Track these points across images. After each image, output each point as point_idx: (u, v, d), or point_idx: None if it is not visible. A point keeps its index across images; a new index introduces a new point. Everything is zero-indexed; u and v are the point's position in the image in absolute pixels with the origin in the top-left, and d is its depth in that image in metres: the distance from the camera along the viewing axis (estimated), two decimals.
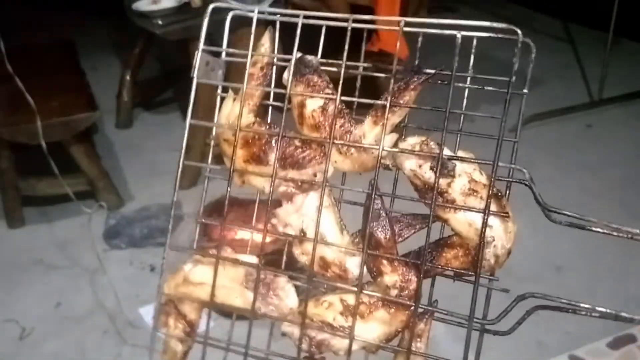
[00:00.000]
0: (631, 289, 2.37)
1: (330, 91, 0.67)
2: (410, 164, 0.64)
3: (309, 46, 0.69)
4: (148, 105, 3.86)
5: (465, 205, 0.63)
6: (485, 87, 0.71)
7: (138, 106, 3.79)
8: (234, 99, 0.71)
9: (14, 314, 2.40)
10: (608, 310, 0.61)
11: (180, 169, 0.72)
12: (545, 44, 4.58)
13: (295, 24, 0.68)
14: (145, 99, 3.84)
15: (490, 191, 0.62)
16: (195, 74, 0.72)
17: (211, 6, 0.71)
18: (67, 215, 2.89)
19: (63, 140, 2.72)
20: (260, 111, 0.71)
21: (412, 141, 0.65)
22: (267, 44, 0.72)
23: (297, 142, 0.67)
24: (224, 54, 0.74)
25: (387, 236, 0.66)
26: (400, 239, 0.67)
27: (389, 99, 0.64)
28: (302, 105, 0.67)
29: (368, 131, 0.66)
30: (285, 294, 0.68)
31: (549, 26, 4.80)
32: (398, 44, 0.68)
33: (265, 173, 0.68)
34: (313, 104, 0.67)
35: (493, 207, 0.62)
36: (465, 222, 0.64)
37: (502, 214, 0.63)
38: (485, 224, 0.62)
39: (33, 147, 2.62)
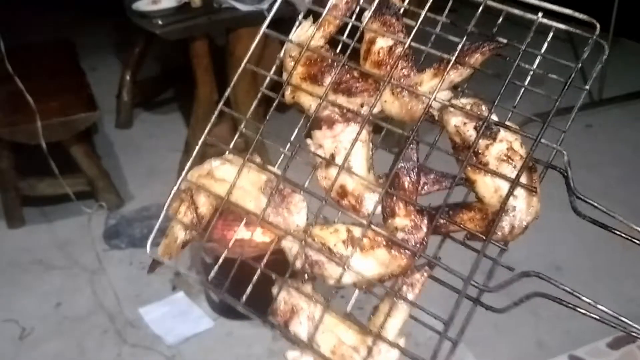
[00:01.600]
0: (631, 289, 2.37)
1: (402, 36, 0.69)
2: (456, 119, 0.65)
3: None
4: (148, 105, 3.86)
5: (498, 170, 0.63)
6: (550, 74, 0.72)
7: (138, 106, 3.79)
8: (312, 24, 0.73)
9: (14, 314, 2.40)
10: (610, 312, 0.61)
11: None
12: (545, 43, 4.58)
13: None
14: (145, 99, 3.84)
15: (525, 163, 0.62)
16: None
17: None
18: (67, 215, 2.89)
19: (63, 140, 2.72)
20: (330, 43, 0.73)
21: (464, 100, 0.66)
22: None
23: (355, 73, 0.69)
24: None
25: (411, 181, 0.66)
26: (423, 191, 0.68)
27: (455, 54, 0.66)
28: (371, 42, 0.70)
29: (426, 81, 0.67)
30: (297, 210, 0.68)
31: (549, 26, 4.79)
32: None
33: (317, 93, 0.69)
34: (382, 42, 0.69)
35: (523, 180, 0.62)
36: (492, 186, 0.64)
37: (530, 187, 0.63)
38: (511, 192, 0.62)
39: (33, 147, 2.62)
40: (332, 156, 0.69)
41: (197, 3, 2.84)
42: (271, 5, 2.80)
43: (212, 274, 0.71)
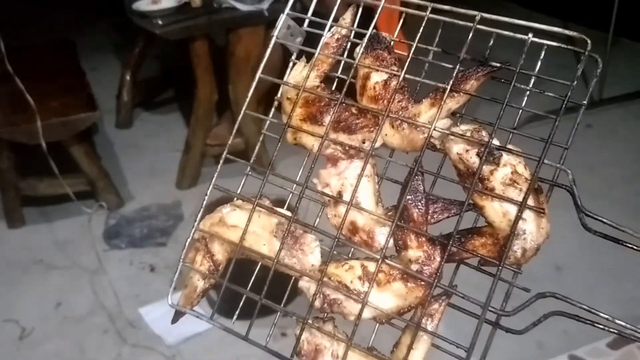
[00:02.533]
0: (631, 289, 2.37)
1: (396, 68, 0.70)
2: (458, 147, 0.66)
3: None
4: (148, 105, 3.86)
5: (504, 195, 0.64)
6: (546, 92, 0.73)
7: (138, 106, 3.79)
8: (305, 65, 0.75)
9: (14, 314, 2.40)
10: (629, 326, 0.61)
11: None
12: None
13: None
14: (145, 99, 3.85)
15: (531, 186, 0.63)
16: (276, 33, 0.74)
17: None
18: (67, 215, 2.89)
19: (63, 140, 2.72)
20: (326, 81, 0.75)
21: (464, 127, 0.66)
22: (348, 18, 0.75)
23: (353, 110, 0.70)
24: (306, 23, 0.78)
25: (420, 212, 0.67)
26: (432, 220, 0.68)
27: (450, 83, 0.66)
28: (366, 77, 0.71)
29: (424, 111, 0.68)
30: (311, 250, 0.70)
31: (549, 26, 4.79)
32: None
33: (318, 133, 0.71)
34: (377, 77, 0.70)
35: (530, 202, 0.63)
36: (500, 211, 0.64)
37: (537, 209, 0.63)
38: (519, 216, 0.62)
39: (33, 147, 2.62)
40: (340, 194, 0.70)
41: (197, 3, 2.84)
42: (271, 6, 2.81)
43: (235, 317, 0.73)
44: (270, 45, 0.74)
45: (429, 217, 0.68)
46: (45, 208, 2.94)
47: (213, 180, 0.73)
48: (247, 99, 0.76)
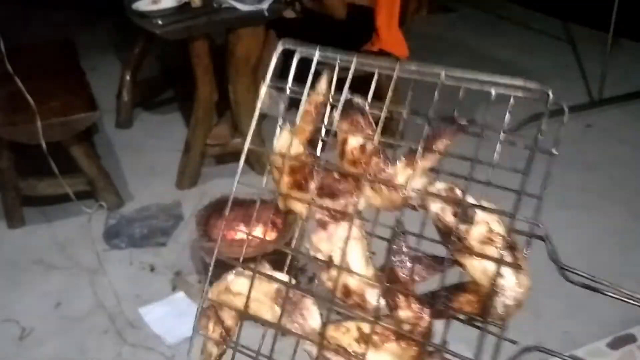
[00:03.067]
0: (631, 289, 2.36)
1: (371, 131, 0.72)
2: (435, 207, 0.68)
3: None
4: (148, 105, 3.85)
5: (482, 252, 0.65)
6: (516, 145, 0.72)
7: (138, 106, 3.78)
8: (290, 132, 0.78)
9: (14, 314, 2.40)
10: None
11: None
12: (545, 44, 4.58)
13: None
14: (145, 99, 3.84)
15: (505, 243, 0.65)
16: (259, 106, 0.79)
17: (280, 48, 0.76)
18: (67, 215, 2.89)
19: (63, 140, 2.72)
20: (311, 145, 0.78)
21: (439, 186, 0.69)
22: (323, 85, 0.77)
23: (335, 175, 0.74)
24: (287, 91, 0.80)
25: (406, 273, 0.70)
26: (419, 279, 0.71)
27: (421, 144, 0.69)
28: (344, 142, 0.74)
29: (400, 172, 0.71)
30: (310, 315, 0.73)
31: (549, 26, 4.80)
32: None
33: (305, 199, 0.74)
34: (353, 142, 0.73)
35: (508, 259, 0.65)
36: (480, 268, 0.66)
37: (515, 265, 0.65)
38: (497, 273, 0.64)
39: (33, 147, 2.62)
40: (330, 258, 0.72)
41: (197, 3, 2.84)
42: (271, 6, 2.81)
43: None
44: (254, 118, 0.77)
45: (415, 276, 0.71)
46: (45, 208, 2.94)
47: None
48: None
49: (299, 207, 0.75)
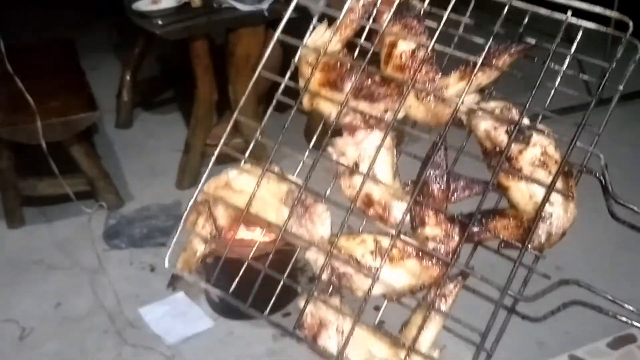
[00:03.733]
0: (631, 289, 2.36)
1: (425, 38, 0.67)
2: (485, 124, 0.63)
3: None
4: (148, 105, 3.85)
5: (532, 176, 0.61)
6: (581, 75, 0.71)
7: (138, 106, 3.78)
8: (327, 28, 0.70)
9: (14, 314, 2.40)
10: None
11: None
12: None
13: None
14: (145, 99, 3.84)
15: (561, 168, 0.60)
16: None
17: None
18: (67, 215, 2.89)
19: (63, 140, 2.72)
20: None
21: (493, 104, 0.63)
22: None
23: (376, 78, 0.67)
24: None
25: (441, 188, 0.64)
26: (453, 198, 0.66)
27: (482, 56, 0.63)
28: (393, 45, 0.67)
29: (452, 84, 0.65)
30: (321, 221, 0.67)
31: (549, 26, 4.79)
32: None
33: (337, 99, 0.67)
34: (404, 46, 0.67)
35: (559, 185, 0.61)
36: (526, 192, 0.62)
37: (567, 193, 0.61)
38: (547, 199, 0.60)
39: (33, 147, 2.62)
40: (356, 164, 0.67)
41: (197, 3, 2.84)
42: (271, 6, 2.81)
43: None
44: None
45: (450, 194, 0.65)
46: (45, 208, 2.94)
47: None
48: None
49: (328, 108, 0.68)
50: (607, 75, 0.63)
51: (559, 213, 0.62)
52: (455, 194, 0.66)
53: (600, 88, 0.62)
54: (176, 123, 3.63)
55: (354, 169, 0.67)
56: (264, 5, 2.78)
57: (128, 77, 3.64)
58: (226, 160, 0.73)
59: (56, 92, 2.85)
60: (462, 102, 0.63)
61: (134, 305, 2.40)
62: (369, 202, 0.66)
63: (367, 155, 0.67)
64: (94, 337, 2.29)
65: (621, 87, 0.63)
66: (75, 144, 2.77)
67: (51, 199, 2.89)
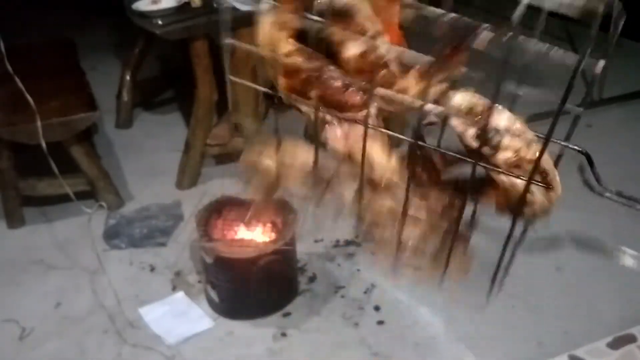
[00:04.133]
0: (631, 289, 2.37)
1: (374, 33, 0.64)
2: (455, 122, 0.62)
3: None
4: (148, 105, 3.86)
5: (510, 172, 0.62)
6: (551, 54, 0.66)
7: (138, 106, 3.79)
8: (271, 22, 0.67)
9: (14, 314, 2.40)
10: None
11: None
12: (544, 43, 4.58)
13: None
14: (145, 99, 3.84)
15: (536, 169, 0.60)
16: None
17: None
18: (67, 215, 2.89)
19: (63, 140, 2.72)
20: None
21: (458, 99, 0.61)
22: None
23: (339, 84, 0.65)
24: None
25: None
26: (442, 169, 0.67)
27: (434, 61, 0.62)
28: (340, 44, 0.64)
29: (411, 87, 0.63)
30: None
31: (548, 25, 4.79)
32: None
33: (309, 104, 0.66)
34: (352, 49, 0.63)
35: (538, 178, 0.62)
36: (508, 183, 0.62)
37: (545, 186, 0.61)
38: (525, 194, 0.61)
39: (33, 147, 2.62)
40: (350, 154, 0.67)
41: (197, 3, 2.84)
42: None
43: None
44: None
45: (443, 167, 0.67)
46: (45, 208, 2.94)
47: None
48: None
49: (304, 108, 0.67)
50: (584, 56, 0.62)
51: (539, 200, 0.63)
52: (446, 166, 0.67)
53: (577, 69, 0.61)
54: (176, 123, 3.63)
55: (350, 158, 0.68)
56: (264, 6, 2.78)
57: (128, 77, 3.64)
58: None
59: (56, 92, 2.85)
60: (428, 105, 0.62)
61: (133, 305, 2.41)
62: (374, 186, 0.67)
63: (358, 146, 0.66)
64: (93, 337, 2.30)
65: (603, 62, 0.61)
66: (75, 144, 2.77)
67: (51, 199, 2.89)
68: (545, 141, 0.59)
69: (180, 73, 3.46)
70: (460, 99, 0.61)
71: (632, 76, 3.98)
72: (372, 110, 0.65)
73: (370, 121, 0.65)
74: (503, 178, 0.62)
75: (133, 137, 3.58)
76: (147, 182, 3.12)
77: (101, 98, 3.09)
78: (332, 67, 0.64)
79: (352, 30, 0.62)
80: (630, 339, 1.78)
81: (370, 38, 0.62)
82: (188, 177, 3.05)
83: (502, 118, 0.60)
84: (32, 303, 2.46)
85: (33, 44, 3.48)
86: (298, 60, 0.64)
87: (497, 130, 0.60)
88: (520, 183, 0.61)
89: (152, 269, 2.59)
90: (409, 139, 0.65)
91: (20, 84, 2.60)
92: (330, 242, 2.60)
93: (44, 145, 2.59)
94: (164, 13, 2.78)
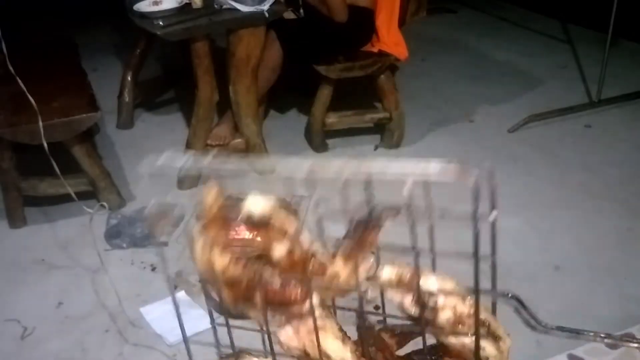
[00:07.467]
0: (631, 289, 2.37)
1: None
2: (391, 294, 0.66)
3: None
4: (149, 106, 3.86)
5: (455, 331, 0.65)
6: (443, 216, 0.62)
7: (139, 106, 3.79)
8: (202, 245, 0.72)
9: (16, 314, 2.41)
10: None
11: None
12: (544, 44, 4.59)
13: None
14: (146, 100, 3.85)
15: (477, 323, 0.63)
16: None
17: None
18: (69, 215, 2.90)
19: (64, 141, 2.73)
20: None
21: (387, 272, 0.64)
22: (213, 193, 0.72)
23: (276, 284, 0.68)
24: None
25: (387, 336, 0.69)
26: (397, 346, 0.71)
27: (349, 246, 0.64)
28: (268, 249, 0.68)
29: (342, 272, 0.66)
30: None
31: (548, 27, 4.80)
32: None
33: (255, 313, 0.71)
34: (279, 250, 0.67)
35: (483, 331, 0.64)
36: (458, 344, 0.65)
37: (494, 336, 0.65)
38: (478, 351, 0.63)
39: (34, 148, 2.63)
40: (306, 352, 0.71)
41: (198, 4, 2.85)
42: (271, 7, 2.82)
43: None
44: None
45: (396, 345, 0.70)
46: (47, 208, 2.95)
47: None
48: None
49: (253, 314, 0.73)
50: (475, 222, 0.60)
51: (493, 353, 0.66)
52: (401, 342, 0.71)
53: (476, 263, 0.59)
54: (177, 123, 3.64)
55: (307, 357, 0.71)
56: (265, 7, 2.79)
57: (129, 78, 3.65)
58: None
59: (58, 93, 2.86)
60: (362, 285, 0.65)
61: (135, 304, 2.41)
62: None
63: (310, 340, 0.70)
64: (95, 337, 2.30)
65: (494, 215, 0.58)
66: (76, 144, 2.78)
67: (53, 199, 2.90)
68: (476, 294, 0.61)
69: (181, 74, 3.47)
70: (389, 271, 0.65)
71: (632, 76, 3.99)
72: (315, 299, 0.68)
73: (317, 312, 0.68)
74: (453, 340, 0.65)
75: (134, 138, 3.59)
76: (148, 182, 3.13)
77: (102, 98, 3.10)
78: (268, 269, 0.68)
79: (274, 234, 0.66)
80: (630, 338, 1.79)
81: (292, 237, 0.66)
82: (188, 177, 3.06)
83: (430, 280, 0.63)
84: (33, 302, 2.47)
85: (35, 45, 3.49)
86: (236, 272, 0.69)
87: (430, 292, 0.63)
88: (469, 341, 0.64)
89: (153, 268, 2.60)
90: (357, 319, 0.69)
91: (22, 85, 2.61)
92: None
93: (45, 145, 2.60)
94: (165, 14, 2.79)
